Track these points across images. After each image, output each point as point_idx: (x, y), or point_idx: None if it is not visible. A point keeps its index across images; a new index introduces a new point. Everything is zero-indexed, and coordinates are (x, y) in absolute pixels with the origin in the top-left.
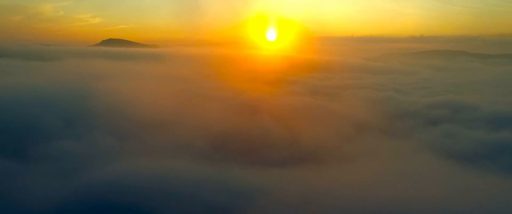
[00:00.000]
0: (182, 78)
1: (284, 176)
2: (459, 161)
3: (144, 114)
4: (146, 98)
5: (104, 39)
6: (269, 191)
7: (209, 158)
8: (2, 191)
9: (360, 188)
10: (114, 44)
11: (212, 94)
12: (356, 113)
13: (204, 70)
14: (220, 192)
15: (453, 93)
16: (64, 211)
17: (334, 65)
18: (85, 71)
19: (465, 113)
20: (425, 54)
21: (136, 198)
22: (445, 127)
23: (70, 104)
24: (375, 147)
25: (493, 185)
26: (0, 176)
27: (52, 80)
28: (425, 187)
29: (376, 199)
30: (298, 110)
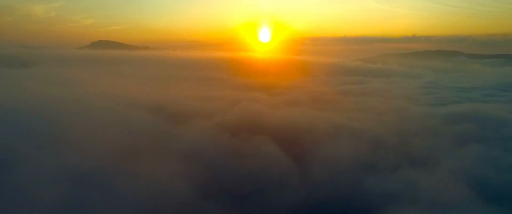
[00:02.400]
0: (165, 88)
1: None
2: None
3: (101, 145)
4: (109, 121)
5: (94, 41)
6: None
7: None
8: None
9: None
10: (103, 46)
11: (198, 108)
12: (367, 128)
13: (192, 75)
14: None
15: (467, 101)
16: None
17: (331, 68)
18: (53, 82)
19: (493, 128)
20: (420, 55)
21: None
22: (476, 149)
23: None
24: (402, 183)
25: None
26: None
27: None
28: None
29: None
30: (302, 128)
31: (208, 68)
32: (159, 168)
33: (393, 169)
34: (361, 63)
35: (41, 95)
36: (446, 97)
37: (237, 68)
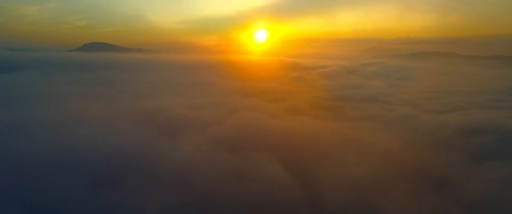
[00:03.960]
0: (155, 94)
1: None
2: None
3: (70, 172)
4: (83, 138)
5: (87, 43)
6: None
7: None
8: None
9: None
10: (95, 49)
11: (192, 118)
12: (376, 141)
13: (185, 80)
14: None
15: (475, 106)
16: None
17: (329, 70)
18: (29, 91)
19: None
20: (417, 56)
21: None
22: (498, 167)
23: None
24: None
25: None
26: None
27: None
28: None
29: None
30: (307, 141)
31: (202, 72)
32: (144, 198)
33: (415, 195)
34: (359, 65)
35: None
36: (451, 102)
37: (233, 72)
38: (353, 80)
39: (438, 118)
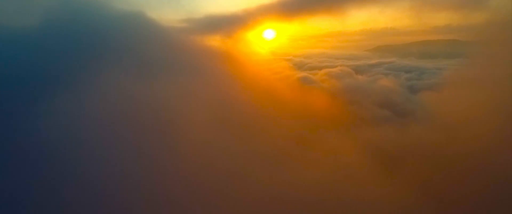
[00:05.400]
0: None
1: None
2: None
3: None
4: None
5: None
6: None
7: None
8: None
9: None
10: None
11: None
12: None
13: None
14: None
15: None
16: None
17: (336, 69)
18: None
19: None
20: (427, 56)
21: None
22: None
23: None
24: None
25: None
26: None
27: None
28: None
29: None
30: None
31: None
32: None
33: None
34: (367, 66)
35: None
36: None
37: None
38: (361, 81)
39: None
